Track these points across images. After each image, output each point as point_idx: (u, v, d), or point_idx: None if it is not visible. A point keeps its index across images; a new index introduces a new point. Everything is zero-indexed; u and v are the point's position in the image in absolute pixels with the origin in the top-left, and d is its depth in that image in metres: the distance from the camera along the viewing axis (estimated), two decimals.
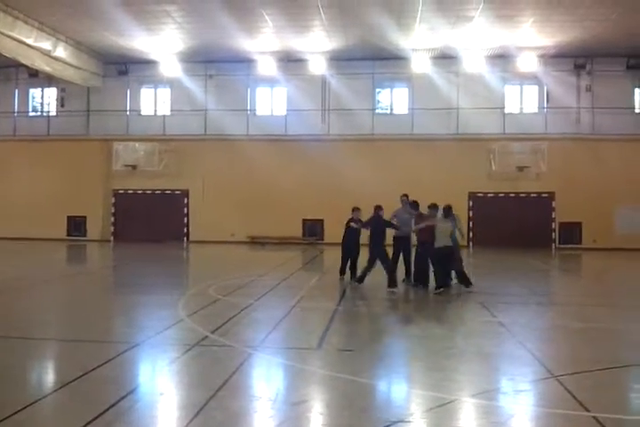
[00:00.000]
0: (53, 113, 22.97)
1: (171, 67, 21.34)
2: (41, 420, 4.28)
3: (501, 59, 20.37)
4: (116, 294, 11.08)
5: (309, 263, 16.72)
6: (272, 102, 22.44)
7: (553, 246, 21.02)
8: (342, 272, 11.80)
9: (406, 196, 11.46)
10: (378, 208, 10.65)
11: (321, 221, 21.32)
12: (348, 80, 21.34)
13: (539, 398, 4.74)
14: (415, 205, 11.26)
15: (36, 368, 5.84)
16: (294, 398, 4.69)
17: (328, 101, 21.59)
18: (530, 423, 4.27)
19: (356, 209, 11.50)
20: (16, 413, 4.12)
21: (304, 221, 21.61)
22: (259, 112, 22.46)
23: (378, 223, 10.56)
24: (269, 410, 4.38)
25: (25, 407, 4.24)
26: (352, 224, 11.34)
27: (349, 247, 11.65)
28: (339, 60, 20.74)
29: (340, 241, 11.93)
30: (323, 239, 21.10)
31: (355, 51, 19.85)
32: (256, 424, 4.27)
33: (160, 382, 5.24)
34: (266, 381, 5.37)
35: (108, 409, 4.22)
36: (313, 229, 21.54)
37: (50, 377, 5.51)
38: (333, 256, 13.80)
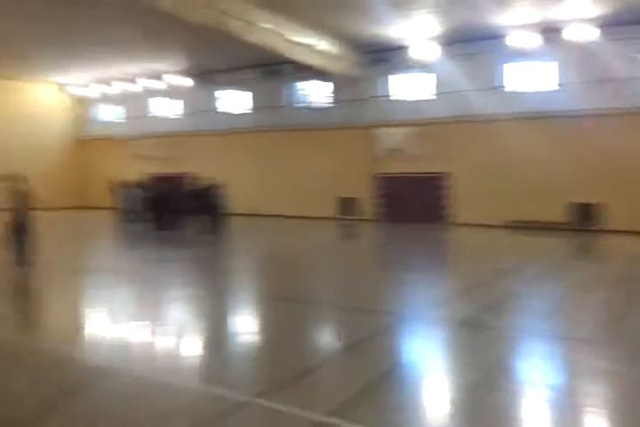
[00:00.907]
0: (323, 104, 25.04)
1: (424, 51, 21.37)
2: (330, 378, 4.77)
3: None
4: (385, 269, 11.75)
5: (582, 250, 15.40)
6: (528, 78, 20.74)
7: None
8: None
9: None
10: None
11: (596, 205, 19.21)
12: (616, 47, 18.55)
13: None
14: None
15: (323, 330, 6.58)
16: (570, 389, 4.41)
17: (594, 72, 19.07)
18: None
19: None
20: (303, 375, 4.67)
21: (571, 204, 19.72)
22: (511, 89, 21.09)
23: None
24: (544, 400, 4.20)
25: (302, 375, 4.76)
26: None
27: None
28: (604, 26, 18.22)
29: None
30: (597, 225, 19.07)
31: (622, 15, 17.23)
32: (532, 411, 4.15)
33: (432, 358, 5.41)
34: (539, 368, 5.16)
35: (380, 377, 4.54)
36: (585, 214, 19.46)
37: (332, 340, 6.13)
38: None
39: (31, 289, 9.12)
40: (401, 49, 21.84)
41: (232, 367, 5.08)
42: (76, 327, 6.68)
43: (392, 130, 22.81)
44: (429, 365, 5.20)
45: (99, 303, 8.07)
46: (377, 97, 23.32)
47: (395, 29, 19.78)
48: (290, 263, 11.62)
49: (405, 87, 23.30)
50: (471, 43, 20.85)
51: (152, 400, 4.22)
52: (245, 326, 6.84)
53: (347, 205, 24.31)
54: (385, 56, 22.79)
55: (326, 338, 6.32)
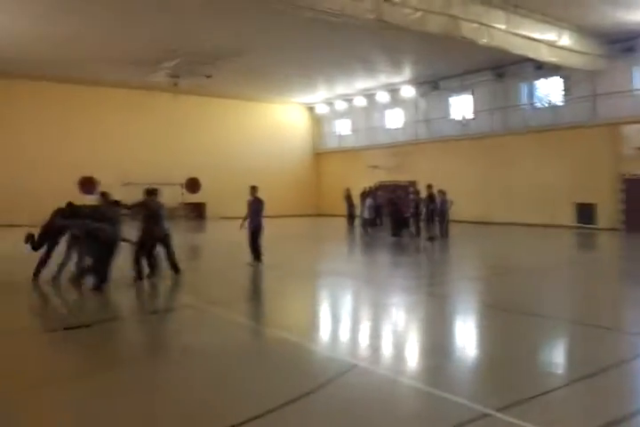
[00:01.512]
0: (559, 102, 23.32)
1: None
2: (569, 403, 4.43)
3: None
4: (625, 285, 10.50)
5: None
6: None
7: None
8: None
9: None
10: None
11: None
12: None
13: None
14: None
15: (560, 348, 6.14)
16: None
17: None
18: None
19: None
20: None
21: None
22: None
23: None
24: None
25: (541, 394, 4.48)
26: None
27: None
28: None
29: None
30: None
31: None
32: None
33: None
34: None
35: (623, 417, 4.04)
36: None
37: (564, 362, 5.67)
38: None
39: (275, 289, 10.13)
40: None
41: (461, 377, 5.03)
42: (311, 323, 7.25)
43: None
44: None
45: (331, 304, 8.65)
46: (624, 91, 20.93)
47: None
48: (517, 274, 11.06)
49: None
50: None
51: (392, 402, 4.40)
52: (472, 336, 6.71)
53: (584, 211, 22.19)
54: (633, 45, 20.41)
55: (564, 357, 5.88)
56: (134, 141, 28.91)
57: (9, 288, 9.48)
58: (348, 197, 24.99)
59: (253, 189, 11.96)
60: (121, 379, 5.00)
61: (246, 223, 11.79)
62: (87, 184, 27.38)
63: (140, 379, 5.04)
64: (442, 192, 18.52)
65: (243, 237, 11.81)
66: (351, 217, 24.34)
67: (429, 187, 18.75)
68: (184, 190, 28.29)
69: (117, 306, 8.58)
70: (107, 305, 8.45)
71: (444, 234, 18.35)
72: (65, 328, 6.79)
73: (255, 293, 9.38)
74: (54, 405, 4.44)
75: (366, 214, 23.12)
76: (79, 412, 4.25)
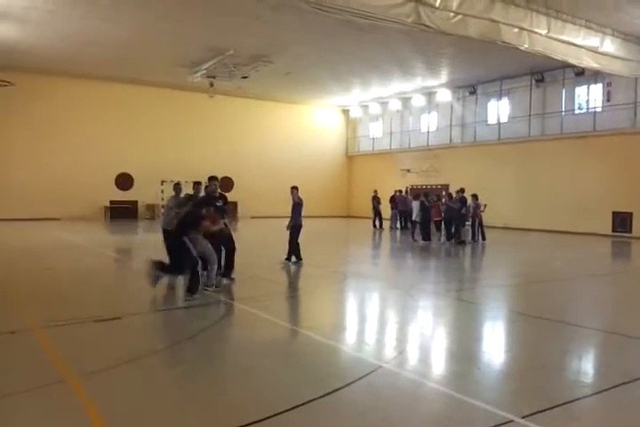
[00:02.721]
0: (599, 109, 22.88)
1: None
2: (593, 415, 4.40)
3: None
4: None
5: None
6: None
7: None
8: None
9: None
10: None
11: None
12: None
13: None
14: None
15: (581, 357, 6.07)
16: None
17: None
18: None
19: None
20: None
21: None
22: None
23: None
24: None
25: (568, 402, 4.46)
26: None
27: None
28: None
29: None
30: None
31: None
32: None
33: None
34: None
35: None
36: None
37: (593, 370, 5.59)
38: None
39: (305, 289, 10.22)
40: None
41: (487, 382, 5.03)
42: (339, 323, 7.30)
43: None
44: None
45: (359, 305, 8.70)
46: None
47: None
48: (549, 282, 10.90)
49: None
50: None
51: (415, 404, 4.43)
52: (500, 341, 6.67)
53: (621, 219, 21.73)
54: None
55: (593, 366, 5.80)
56: (170, 141, 29.46)
57: None
58: (375, 200, 25.17)
59: (295, 189, 12.15)
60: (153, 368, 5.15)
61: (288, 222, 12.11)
62: (123, 180, 28.09)
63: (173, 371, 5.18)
64: (474, 196, 18.50)
65: (276, 235, 11.94)
66: (378, 219, 24.48)
67: (461, 191, 18.71)
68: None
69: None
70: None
71: (477, 238, 18.32)
72: None
73: (285, 292, 9.47)
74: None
75: (394, 217, 23.38)
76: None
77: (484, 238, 18.46)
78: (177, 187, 10.68)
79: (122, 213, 27.87)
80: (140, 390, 4.61)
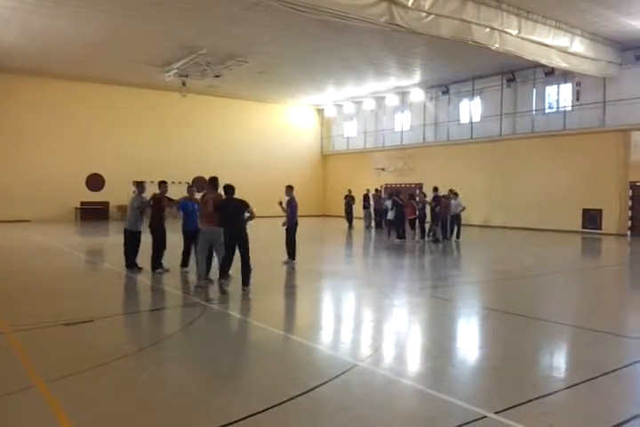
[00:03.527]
0: (569, 108, 23.29)
1: None
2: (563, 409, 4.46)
3: None
4: (633, 290, 10.51)
5: None
6: None
7: None
8: None
9: None
10: None
11: None
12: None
13: None
14: None
15: (553, 352, 6.17)
16: None
17: None
18: None
19: None
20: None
21: None
22: None
23: None
24: None
25: (541, 397, 4.53)
26: None
27: None
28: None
29: None
30: None
31: None
32: None
33: None
34: None
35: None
36: None
37: (565, 365, 5.68)
38: None
39: (277, 288, 10.19)
40: None
41: (461, 379, 5.07)
42: (313, 322, 7.29)
43: None
44: None
45: (334, 304, 8.70)
46: (633, 98, 20.80)
47: None
48: (522, 279, 11.05)
49: None
50: None
51: (390, 401, 4.44)
52: (474, 338, 6.74)
53: (591, 217, 22.18)
54: None
55: (565, 361, 5.89)
56: (142, 140, 29.09)
57: None
58: (351, 199, 25.29)
59: (290, 188, 12.25)
60: (119, 372, 5.07)
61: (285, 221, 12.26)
62: (94, 181, 27.62)
63: (140, 375, 5.10)
64: (452, 194, 18.73)
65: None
66: (350, 218, 24.55)
67: (435, 190, 18.90)
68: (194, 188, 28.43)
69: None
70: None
71: (449, 236, 18.55)
72: None
73: (260, 292, 9.42)
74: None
75: (367, 216, 23.57)
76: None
77: (458, 237, 18.68)
78: (140, 186, 10.76)
79: (93, 214, 27.44)
80: (111, 395, 4.53)
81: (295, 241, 12.27)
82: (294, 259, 12.20)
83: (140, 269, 10.94)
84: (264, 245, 12.80)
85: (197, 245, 9.65)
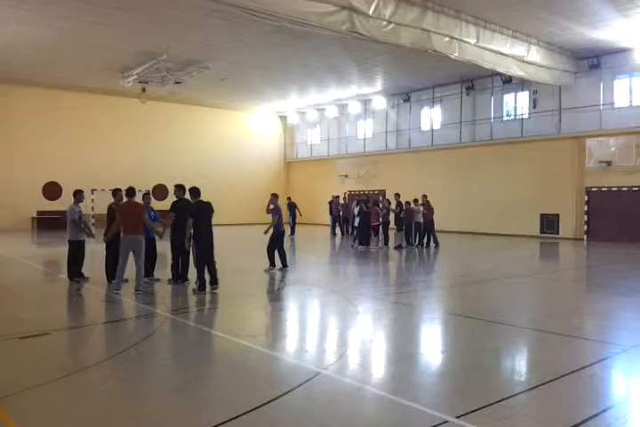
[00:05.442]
0: (526, 115, 23.87)
1: None
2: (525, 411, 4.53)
3: None
4: (590, 293, 10.78)
5: None
6: None
7: None
8: None
9: None
10: None
11: None
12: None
13: None
14: None
15: (514, 356, 6.26)
16: None
17: None
18: None
19: None
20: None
21: None
22: None
23: None
24: None
25: (502, 400, 4.59)
26: None
27: None
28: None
29: None
30: None
31: None
32: None
33: None
34: None
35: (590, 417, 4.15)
36: None
37: (525, 368, 5.77)
38: None
39: (240, 298, 10.08)
40: (622, 52, 20.09)
41: (425, 384, 5.09)
42: (276, 331, 7.23)
43: (605, 140, 20.87)
44: None
45: (297, 312, 8.65)
46: (589, 106, 21.47)
47: (613, 32, 18.23)
48: (482, 283, 11.23)
49: (625, 93, 21.09)
50: None
51: (354, 409, 4.42)
52: (437, 343, 6.78)
53: (548, 222, 22.75)
54: (602, 61, 21.02)
55: (525, 364, 5.98)
56: (101, 147, 28.55)
57: None
58: (290, 206, 24.75)
59: (275, 196, 12.41)
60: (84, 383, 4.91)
61: (271, 229, 12.37)
62: (51, 190, 26.89)
63: (102, 384, 4.96)
64: (413, 201, 18.89)
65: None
66: (290, 226, 23.58)
67: (397, 196, 19.08)
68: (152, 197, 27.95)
69: None
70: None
71: (415, 243, 18.74)
72: None
73: (221, 301, 9.30)
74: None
75: (333, 223, 23.53)
76: None
77: (420, 243, 18.88)
78: (78, 194, 10.88)
79: (50, 223, 26.63)
80: (70, 409, 4.38)
81: (284, 250, 12.59)
82: (274, 266, 12.36)
83: (87, 278, 10.84)
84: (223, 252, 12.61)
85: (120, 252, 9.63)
